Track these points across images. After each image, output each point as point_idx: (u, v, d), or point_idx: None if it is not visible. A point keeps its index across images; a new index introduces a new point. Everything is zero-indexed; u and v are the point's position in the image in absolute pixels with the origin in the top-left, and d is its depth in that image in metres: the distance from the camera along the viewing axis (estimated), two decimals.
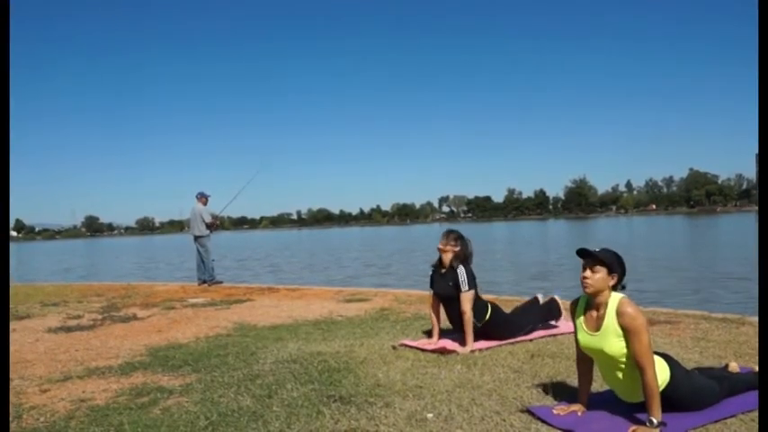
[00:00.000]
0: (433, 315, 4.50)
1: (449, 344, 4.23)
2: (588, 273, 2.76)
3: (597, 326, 2.78)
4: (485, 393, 3.18)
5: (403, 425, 2.78)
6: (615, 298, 2.76)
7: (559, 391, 3.17)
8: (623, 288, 2.80)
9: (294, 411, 3.00)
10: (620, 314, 2.70)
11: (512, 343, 4.32)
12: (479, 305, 4.38)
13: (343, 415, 2.93)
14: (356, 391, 3.29)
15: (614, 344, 2.71)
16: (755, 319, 4.83)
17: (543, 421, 2.75)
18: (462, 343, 4.24)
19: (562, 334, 4.59)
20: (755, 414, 2.72)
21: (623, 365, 2.73)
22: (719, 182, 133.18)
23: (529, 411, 2.86)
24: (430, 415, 2.88)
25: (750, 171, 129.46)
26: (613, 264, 2.78)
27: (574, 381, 3.31)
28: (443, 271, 4.43)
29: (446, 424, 2.77)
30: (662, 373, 2.71)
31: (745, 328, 4.59)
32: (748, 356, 3.75)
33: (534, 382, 3.33)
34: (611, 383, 2.88)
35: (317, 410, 2.99)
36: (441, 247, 4.42)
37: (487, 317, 4.38)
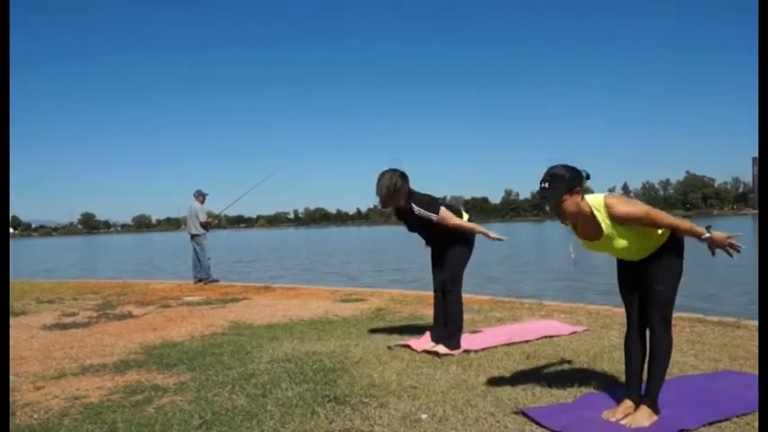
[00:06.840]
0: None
1: (441, 349, 4.15)
2: (557, 210, 2.61)
3: (598, 234, 2.66)
4: (480, 394, 3.18)
5: (397, 425, 2.77)
6: (597, 201, 2.61)
7: (555, 392, 3.17)
8: (588, 177, 2.62)
9: (289, 411, 2.99)
10: (614, 217, 2.57)
11: (508, 344, 4.32)
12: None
13: (337, 415, 2.92)
14: (351, 391, 3.29)
15: (622, 241, 2.63)
16: (751, 322, 4.84)
17: (538, 423, 2.74)
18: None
19: (558, 336, 4.60)
20: (750, 417, 2.72)
21: (634, 243, 2.65)
22: (716, 185, 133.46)
23: (523, 413, 2.86)
24: (424, 416, 2.88)
25: (746, 175, 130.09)
26: (568, 181, 2.57)
27: (569, 382, 3.31)
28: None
29: (440, 425, 2.77)
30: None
31: (740, 332, 4.60)
32: (743, 360, 3.75)
33: (529, 384, 3.32)
34: (618, 256, 2.79)
35: (312, 410, 2.99)
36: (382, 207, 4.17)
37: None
